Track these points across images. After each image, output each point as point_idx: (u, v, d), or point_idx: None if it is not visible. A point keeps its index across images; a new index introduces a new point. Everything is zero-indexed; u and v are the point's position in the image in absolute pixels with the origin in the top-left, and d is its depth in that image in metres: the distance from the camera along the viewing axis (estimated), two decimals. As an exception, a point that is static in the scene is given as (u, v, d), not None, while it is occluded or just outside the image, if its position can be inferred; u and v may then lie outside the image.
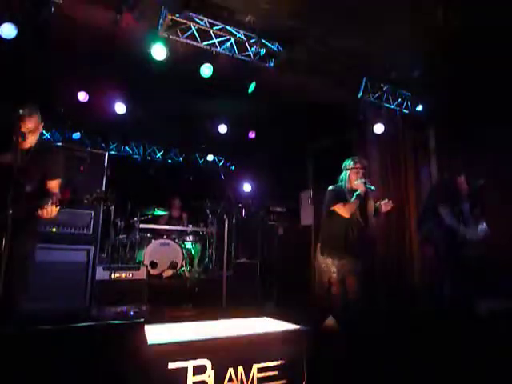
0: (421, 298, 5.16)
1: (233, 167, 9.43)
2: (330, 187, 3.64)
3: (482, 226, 3.64)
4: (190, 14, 4.12)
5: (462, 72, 4.82)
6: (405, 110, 6.01)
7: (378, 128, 5.83)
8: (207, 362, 1.92)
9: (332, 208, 3.53)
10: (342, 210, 3.48)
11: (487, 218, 3.71)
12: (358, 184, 3.48)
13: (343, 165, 3.69)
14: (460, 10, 3.87)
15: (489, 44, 4.29)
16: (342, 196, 3.53)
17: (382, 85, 5.70)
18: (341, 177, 3.68)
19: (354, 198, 3.45)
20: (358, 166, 3.59)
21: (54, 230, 4.03)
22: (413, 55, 4.84)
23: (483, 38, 4.21)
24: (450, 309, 2.75)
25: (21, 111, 2.62)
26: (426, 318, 2.43)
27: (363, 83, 5.56)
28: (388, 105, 5.88)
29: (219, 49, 4.47)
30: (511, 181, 4.80)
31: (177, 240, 6.04)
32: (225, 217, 5.25)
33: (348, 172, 3.61)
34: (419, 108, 5.89)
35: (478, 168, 4.68)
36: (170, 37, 4.17)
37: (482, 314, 2.47)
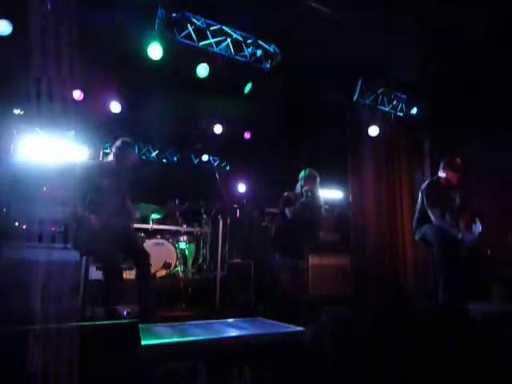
0: (413, 300, 5.19)
1: (228, 167, 9.41)
2: (285, 194, 4.26)
3: (477, 227, 3.54)
4: (187, 13, 4.12)
5: (457, 75, 4.85)
6: (399, 113, 6.05)
7: (373, 130, 5.86)
8: (201, 363, 1.91)
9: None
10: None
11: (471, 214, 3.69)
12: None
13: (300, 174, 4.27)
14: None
15: (487, 45, 4.33)
16: (286, 204, 4.16)
17: (378, 87, 5.74)
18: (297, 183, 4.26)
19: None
20: (305, 179, 4.20)
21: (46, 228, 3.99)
22: (409, 58, 4.87)
23: (480, 40, 4.25)
24: (444, 311, 2.77)
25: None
26: (420, 318, 2.44)
27: (358, 86, 5.59)
28: (383, 107, 5.91)
29: (216, 49, 4.47)
30: (507, 182, 4.85)
31: (171, 240, 6.00)
32: (219, 217, 5.24)
33: (300, 182, 4.24)
34: (414, 111, 5.93)
35: (473, 170, 4.72)
36: (167, 36, 4.17)
37: (476, 317, 2.49)
